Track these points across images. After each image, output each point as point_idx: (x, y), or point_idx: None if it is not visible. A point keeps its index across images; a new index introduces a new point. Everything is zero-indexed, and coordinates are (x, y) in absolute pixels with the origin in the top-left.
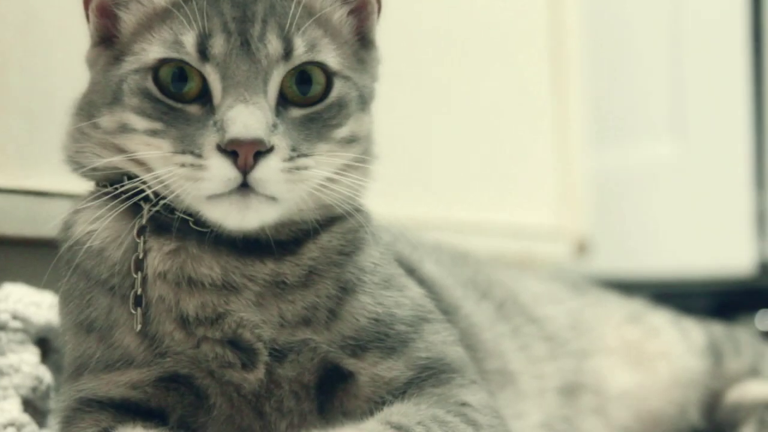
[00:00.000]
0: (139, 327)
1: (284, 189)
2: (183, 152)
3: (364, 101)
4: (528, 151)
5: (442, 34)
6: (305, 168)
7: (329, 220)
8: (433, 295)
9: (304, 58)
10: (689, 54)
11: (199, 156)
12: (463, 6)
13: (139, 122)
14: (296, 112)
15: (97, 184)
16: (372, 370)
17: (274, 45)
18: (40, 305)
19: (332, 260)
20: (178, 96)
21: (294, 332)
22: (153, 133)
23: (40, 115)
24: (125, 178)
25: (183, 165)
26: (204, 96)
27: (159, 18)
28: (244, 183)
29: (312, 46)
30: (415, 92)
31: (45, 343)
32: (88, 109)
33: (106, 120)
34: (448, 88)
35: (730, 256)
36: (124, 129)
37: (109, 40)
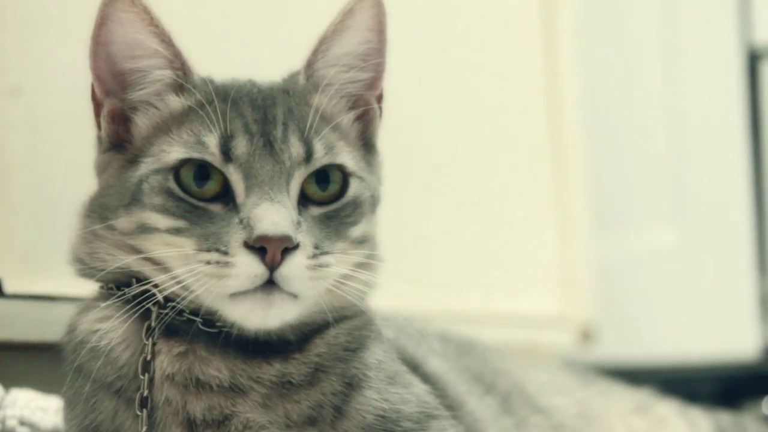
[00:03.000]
0: (144, 429)
1: (308, 286)
2: (208, 250)
3: (375, 202)
4: (530, 240)
5: (441, 126)
6: (327, 265)
7: (337, 317)
8: (437, 391)
9: (325, 161)
10: (690, 141)
11: (226, 253)
12: (465, 88)
13: (161, 221)
14: (315, 211)
15: (104, 287)
16: None
17: (296, 148)
18: (47, 410)
19: (338, 356)
20: (199, 194)
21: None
22: (176, 231)
23: (45, 219)
24: (134, 281)
25: (208, 262)
26: (225, 195)
27: (176, 121)
28: (269, 280)
29: (330, 149)
30: (416, 181)
31: None
32: (100, 211)
33: (123, 221)
34: (449, 174)
35: (734, 341)
36: (144, 229)
37: (119, 146)
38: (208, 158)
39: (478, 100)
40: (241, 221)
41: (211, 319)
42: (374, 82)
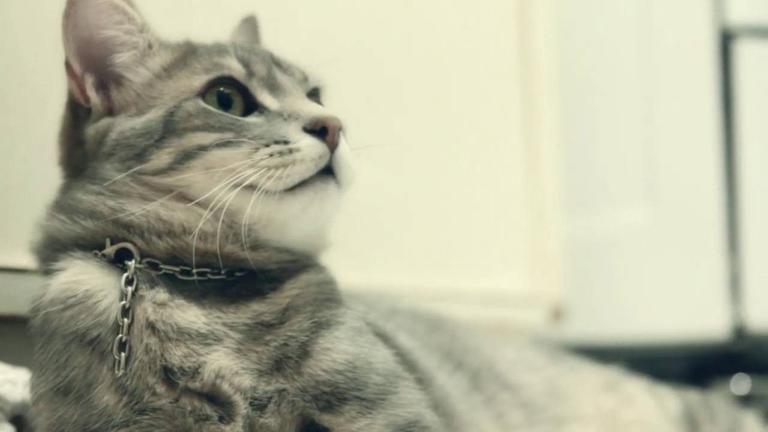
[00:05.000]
0: (121, 372)
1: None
2: (267, 145)
3: None
4: (502, 218)
5: (418, 101)
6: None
7: (308, 264)
8: (407, 364)
9: (315, 83)
10: (662, 120)
11: (287, 142)
12: (437, 69)
13: (207, 137)
14: None
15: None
16: (349, 427)
17: (298, 69)
18: (15, 383)
19: (308, 300)
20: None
21: (269, 381)
22: (224, 144)
23: (13, 192)
24: (108, 242)
25: (271, 155)
26: (253, 111)
27: (177, 66)
28: (326, 168)
29: (310, 72)
30: (388, 160)
31: (20, 421)
32: (116, 166)
33: (157, 158)
34: (420, 153)
35: (704, 321)
36: (185, 156)
37: (110, 111)
38: (235, 74)
39: (450, 79)
40: (287, 117)
41: (187, 268)
42: None
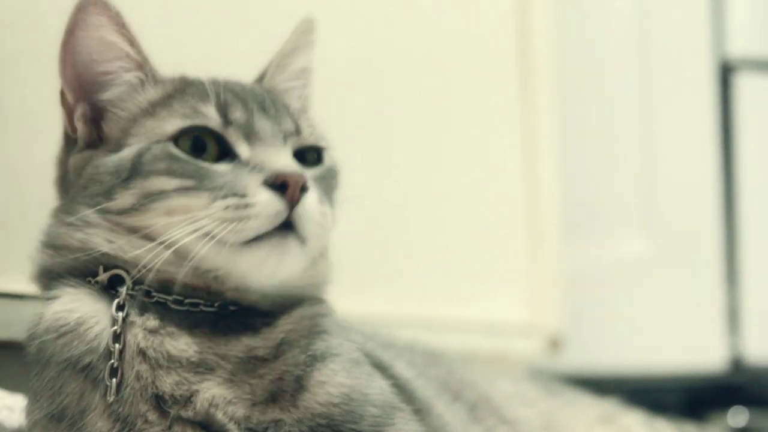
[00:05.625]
0: (112, 398)
1: (317, 231)
2: (224, 197)
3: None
4: (500, 248)
5: (412, 131)
6: (327, 215)
7: (304, 298)
8: (405, 393)
9: (311, 140)
10: (661, 151)
11: (244, 195)
12: (434, 106)
13: (169, 182)
14: (308, 172)
15: (70, 278)
16: None
17: (288, 120)
18: (12, 409)
19: (303, 334)
20: (201, 160)
21: (264, 411)
22: (185, 190)
23: (10, 217)
24: (101, 269)
25: (227, 207)
26: (225, 157)
27: (161, 104)
28: (284, 223)
29: (312, 130)
30: (385, 189)
31: None
32: (87, 201)
33: (122, 197)
34: (419, 183)
35: (702, 352)
36: (147, 198)
37: (94, 144)
38: (209, 123)
39: (450, 106)
40: (253, 167)
41: (180, 298)
42: (310, 88)
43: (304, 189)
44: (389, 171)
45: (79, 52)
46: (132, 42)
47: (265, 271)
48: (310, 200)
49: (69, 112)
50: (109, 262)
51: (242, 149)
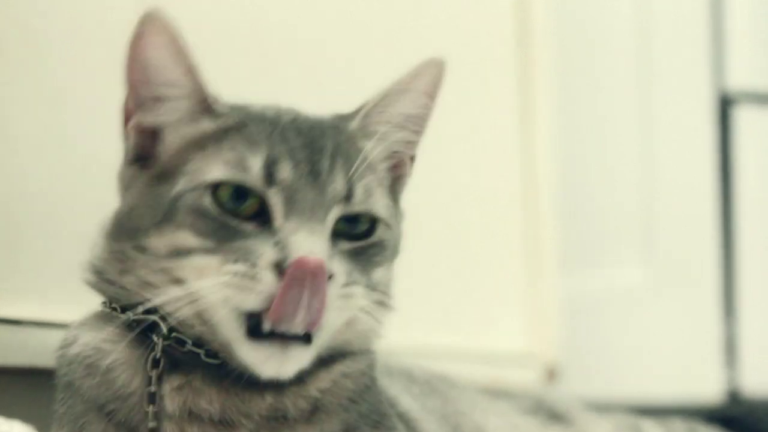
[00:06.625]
0: None
1: (332, 316)
2: (235, 261)
3: (396, 252)
4: (498, 277)
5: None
6: (353, 296)
7: (345, 352)
8: (410, 430)
9: (361, 208)
10: (659, 182)
11: (254, 266)
12: (433, 139)
13: (193, 240)
14: (345, 245)
15: (108, 305)
16: None
17: (340, 184)
18: None
19: (343, 400)
20: (236, 212)
21: None
22: (204, 251)
23: (12, 241)
24: (139, 305)
25: (235, 274)
26: (261, 215)
27: (213, 139)
28: None
29: (368, 196)
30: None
31: None
32: (129, 231)
33: (155, 242)
34: (418, 212)
35: (699, 384)
36: (177, 251)
37: (145, 158)
38: (249, 181)
39: (450, 140)
40: (277, 243)
41: (212, 349)
42: (415, 142)
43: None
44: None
45: (140, 62)
46: (189, 69)
47: (267, 369)
48: (330, 291)
49: (127, 117)
50: (144, 301)
51: (278, 215)
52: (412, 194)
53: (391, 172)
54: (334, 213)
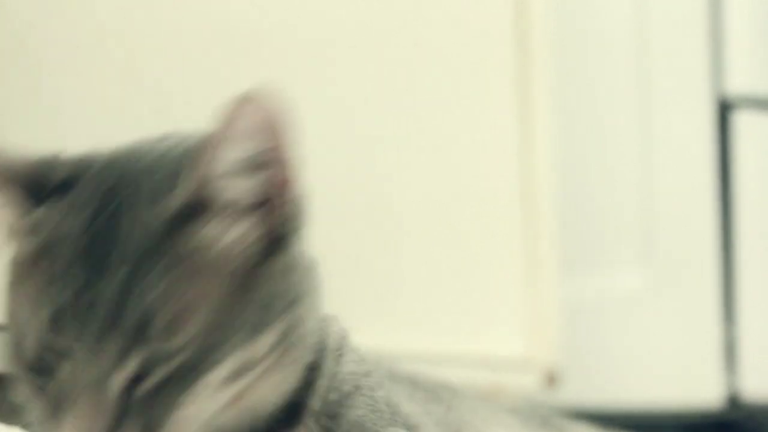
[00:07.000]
0: None
1: None
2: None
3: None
4: (496, 282)
5: (406, 164)
6: None
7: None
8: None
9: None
10: (659, 186)
11: None
12: (430, 138)
13: None
14: None
15: None
16: None
17: (134, 315)
18: None
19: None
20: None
21: None
22: None
23: None
24: None
25: None
26: None
27: None
28: None
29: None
30: (378, 222)
31: None
32: None
33: None
34: (414, 214)
35: (699, 389)
36: None
37: None
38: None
39: (447, 141)
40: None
41: None
42: (279, 170)
43: None
44: (385, 205)
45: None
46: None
47: None
48: None
49: None
50: None
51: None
52: (410, 195)
53: (265, 225)
54: (125, 370)
